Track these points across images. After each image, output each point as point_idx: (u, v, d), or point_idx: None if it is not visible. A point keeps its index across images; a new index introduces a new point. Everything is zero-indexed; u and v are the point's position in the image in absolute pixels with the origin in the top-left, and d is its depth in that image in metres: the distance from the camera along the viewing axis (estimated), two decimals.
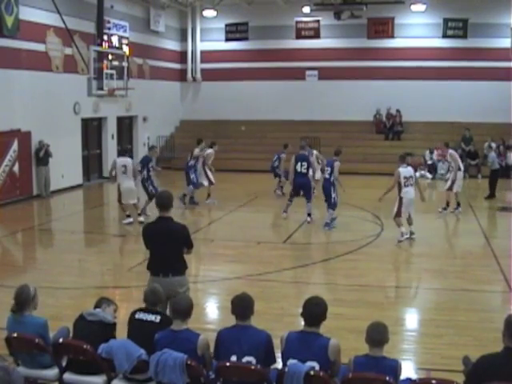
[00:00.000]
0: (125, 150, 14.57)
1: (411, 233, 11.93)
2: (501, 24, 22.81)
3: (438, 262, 10.71)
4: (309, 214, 13.65)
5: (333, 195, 12.87)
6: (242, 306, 4.87)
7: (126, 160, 13.62)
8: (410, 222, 11.95)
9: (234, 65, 25.75)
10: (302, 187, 13.71)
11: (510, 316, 4.32)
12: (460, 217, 14.64)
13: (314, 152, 16.30)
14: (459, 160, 15.16)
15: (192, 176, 15.73)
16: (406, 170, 11.70)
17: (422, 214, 13.79)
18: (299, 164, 13.59)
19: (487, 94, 23.05)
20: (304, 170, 13.57)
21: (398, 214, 11.73)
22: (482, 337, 6.92)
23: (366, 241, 11.95)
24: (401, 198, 11.61)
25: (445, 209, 14.86)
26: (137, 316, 5.21)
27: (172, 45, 26.14)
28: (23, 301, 5.20)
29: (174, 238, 6.09)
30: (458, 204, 14.86)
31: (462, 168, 15.24)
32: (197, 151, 15.85)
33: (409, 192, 11.64)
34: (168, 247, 6.06)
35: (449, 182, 14.89)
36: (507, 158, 21.37)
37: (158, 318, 5.14)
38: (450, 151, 15.13)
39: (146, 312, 5.22)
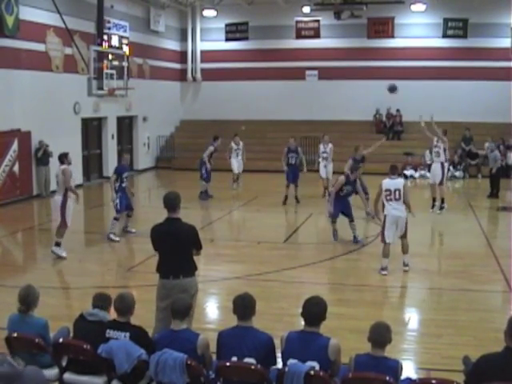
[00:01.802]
0: (61, 154, 10.99)
1: (404, 264, 9.76)
2: (501, 24, 22.82)
3: (437, 261, 10.72)
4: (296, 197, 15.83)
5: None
6: (243, 306, 4.85)
7: (59, 168, 10.82)
8: (404, 249, 9.76)
9: (234, 65, 25.74)
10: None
11: None
12: (437, 214, 14.46)
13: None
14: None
15: (203, 171, 16.66)
16: (391, 182, 9.61)
17: (422, 213, 13.76)
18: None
19: (487, 93, 23.03)
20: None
21: (382, 239, 9.70)
22: (482, 337, 6.92)
23: (365, 241, 11.93)
24: (385, 216, 9.64)
25: (442, 207, 14.63)
26: (107, 334, 4.98)
27: (172, 45, 26.13)
28: (30, 301, 5.24)
29: (183, 239, 5.95)
30: (434, 200, 14.71)
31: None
32: (211, 149, 16.83)
33: (392, 208, 9.53)
34: (178, 249, 5.92)
35: (439, 176, 14.44)
36: (507, 158, 21.37)
37: (127, 336, 4.92)
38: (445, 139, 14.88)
39: (115, 329, 4.99)
